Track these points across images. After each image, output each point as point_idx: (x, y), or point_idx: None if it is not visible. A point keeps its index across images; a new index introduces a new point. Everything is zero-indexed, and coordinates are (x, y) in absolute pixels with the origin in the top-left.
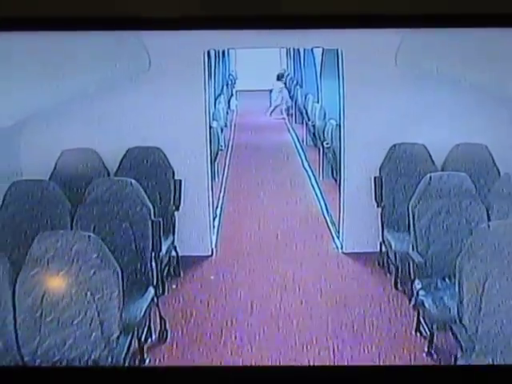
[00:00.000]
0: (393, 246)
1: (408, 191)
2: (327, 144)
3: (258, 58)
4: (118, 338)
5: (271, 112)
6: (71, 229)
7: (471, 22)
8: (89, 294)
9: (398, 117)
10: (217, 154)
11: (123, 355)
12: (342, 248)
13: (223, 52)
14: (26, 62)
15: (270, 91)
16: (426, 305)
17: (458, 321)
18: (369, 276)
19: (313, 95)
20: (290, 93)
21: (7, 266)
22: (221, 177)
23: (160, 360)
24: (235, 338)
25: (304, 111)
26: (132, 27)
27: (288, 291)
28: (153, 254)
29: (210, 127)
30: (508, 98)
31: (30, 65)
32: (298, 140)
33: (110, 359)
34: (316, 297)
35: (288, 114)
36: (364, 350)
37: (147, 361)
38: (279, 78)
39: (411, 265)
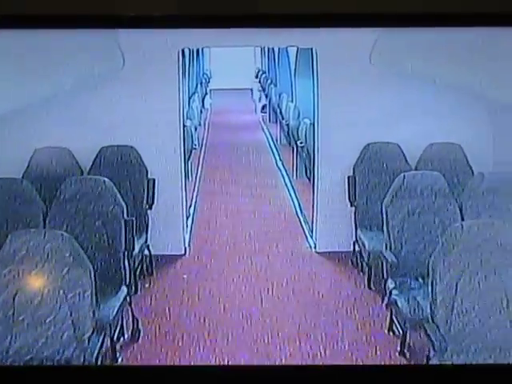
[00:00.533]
0: (366, 246)
1: (381, 190)
2: (301, 143)
3: (233, 56)
4: (90, 336)
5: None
6: (44, 227)
7: (446, 21)
8: (61, 292)
9: (372, 116)
10: (190, 152)
11: (95, 354)
12: (315, 247)
13: (197, 51)
14: None
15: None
16: (399, 304)
17: (430, 320)
18: (342, 275)
19: (287, 94)
20: (264, 91)
21: None
22: (194, 176)
23: (132, 359)
24: (208, 337)
25: (278, 110)
26: (107, 25)
27: (261, 290)
28: (126, 253)
29: (184, 126)
30: (482, 97)
31: (2, 63)
32: (272, 139)
33: (82, 358)
34: (289, 296)
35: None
36: (337, 350)
37: (119, 360)
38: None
39: (384, 264)
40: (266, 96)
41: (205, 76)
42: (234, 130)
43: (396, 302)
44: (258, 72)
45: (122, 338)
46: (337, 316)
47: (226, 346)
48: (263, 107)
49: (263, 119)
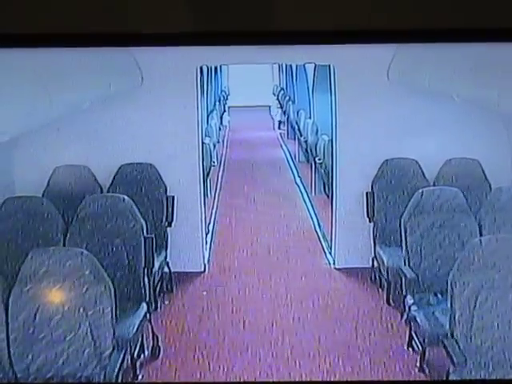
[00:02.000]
0: (385, 262)
1: (400, 206)
2: (319, 160)
3: (251, 73)
4: (110, 354)
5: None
6: (64, 245)
7: (464, 37)
8: (81, 310)
9: (390, 132)
10: (209, 169)
11: (116, 371)
12: (334, 263)
13: (215, 68)
14: (19, 79)
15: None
16: (418, 320)
17: (449, 336)
18: (361, 291)
19: (305, 111)
20: (282, 108)
21: (0, 283)
22: (213, 192)
23: (153, 376)
24: (228, 353)
25: (296, 127)
26: (125, 43)
27: (280, 307)
28: (145, 270)
29: (203, 143)
30: (500, 113)
31: (23, 81)
32: (291, 156)
33: (102, 376)
34: (308, 312)
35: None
36: (356, 366)
37: (140, 377)
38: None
39: (403, 280)
40: (284, 113)
41: (223, 93)
42: (252, 146)
43: (415, 318)
44: (276, 89)
45: (142, 355)
46: (356, 332)
47: (245, 362)
48: (280, 124)
49: (281, 136)
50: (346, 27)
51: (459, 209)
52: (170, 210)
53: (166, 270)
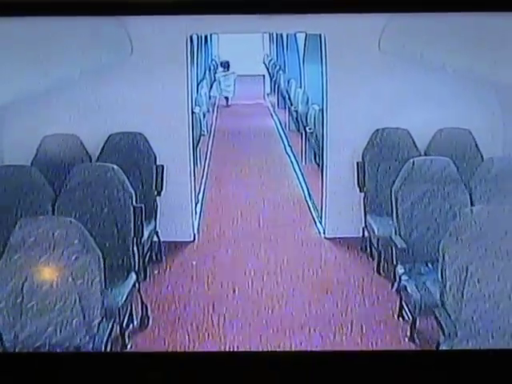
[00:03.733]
0: (375, 231)
1: (391, 176)
2: (310, 129)
3: (242, 43)
4: (99, 323)
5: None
6: (53, 214)
7: (456, 6)
8: (70, 279)
9: (381, 102)
10: (199, 139)
11: (105, 341)
12: (324, 233)
13: (206, 37)
14: (7, 48)
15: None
16: (409, 289)
17: (440, 305)
18: (351, 261)
19: (296, 80)
20: (271, 78)
21: None
22: (203, 162)
23: (142, 346)
24: (217, 323)
25: (287, 96)
26: (113, 12)
27: (270, 276)
28: (135, 240)
29: (193, 112)
30: (492, 83)
31: (11, 50)
32: (281, 125)
33: (91, 345)
34: (298, 282)
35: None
36: (346, 335)
37: (129, 346)
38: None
39: (394, 250)
40: (275, 82)
41: (213, 62)
42: (242, 116)
43: (406, 288)
44: (266, 58)
45: (131, 325)
46: (346, 302)
47: (235, 332)
48: (268, 95)
49: (272, 104)
50: None
51: (450, 179)
52: (159, 179)
53: (155, 239)
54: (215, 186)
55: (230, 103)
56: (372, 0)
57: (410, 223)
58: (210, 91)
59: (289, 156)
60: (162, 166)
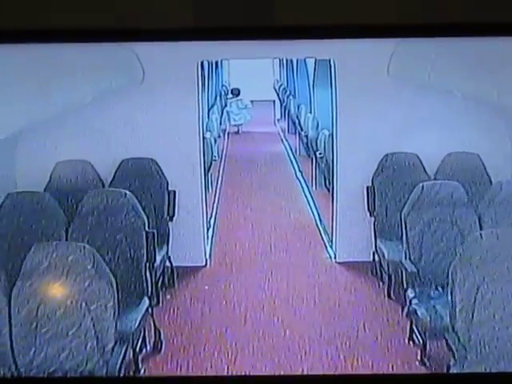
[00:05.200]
0: (386, 255)
1: (400, 200)
2: (320, 154)
3: (252, 68)
4: (112, 348)
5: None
6: (66, 240)
7: (464, 32)
8: (84, 304)
9: (391, 126)
10: (210, 164)
11: (118, 366)
12: (335, 257)
13: (216, 62)
14: (20, 75)
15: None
16: (419, 313)
17: (450, 329)
18: (362, 285)
19: (305, 105)
20: (281, 103)
21: (2, 278)
22: (214, 187)
23: (155, 370)
24: (229, 348)
25: (297, 121)
26: (125, 39)
27: (282, 301)
28: (147, 265)
29: (204, 138)
30: (500, 107)
31: (24, 77)
32: (291, 150)
33: (104, 370)
34: (309, 306)
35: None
36: (357, 359)
37: (142, 371)
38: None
39: (404, 274)
40: (285, 107)
41: (224, 88)
42: (253, 141)
43: (416, 312)
44: (276, 83)
45: (144, 350)
46: (357, 326)
47: (247, 356)
48: (278, 120)
49: (282, 130)
50: (347, 21)
51: (459, 203)
52: (171, 204)
53: (167, 264)
54: (227, 211)
55: (241, 131)
56: (381, 25)
57: (420, 247)
58: (221, 118)
59: (299, 181)
60: (174, 192)
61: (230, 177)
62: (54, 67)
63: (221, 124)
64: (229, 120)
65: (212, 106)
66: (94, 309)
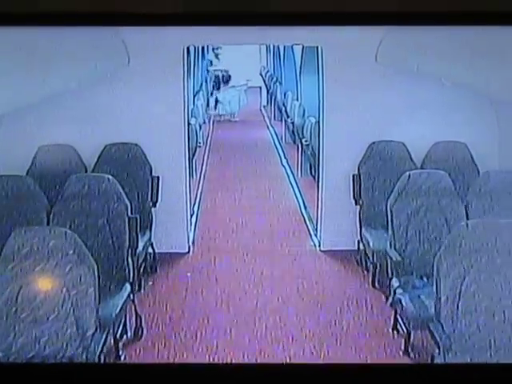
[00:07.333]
0: (371, 244)
1: (386, 189)
2: (306, 141)
3: (238, 54)
4: (93, 334)
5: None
6: (48, 225)
7: (452, 20)
8: (64, 290)
9: (378, 114)
10: (195, 150)
11: (98, 352)
12: (319, 246)
13: (203, 48)
14: (2, 58)
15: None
16: (404, 303)
17: (435, 319)
18: (346, 274)
19: (292, 92)
20: (268, 90)
21: None
22: (199, 173)
23: (135, 357)
24: (211, 335)
25: (283, 108)
26: (111, 23)
27: (265, 288)
28: (129, 251)
29: (189, 124)
30: (489, 96)
31: (7, 60)
32: (277, 137)
33: (84, 356)
34: (293, 294)
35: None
36: (340, 349)
37: (122, 358)
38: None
39: (389, 263)
40: (271, 94)
41: (210, 74)
42: (239, 127)
43: (400, 301)
44: (263, 70)
45: (125, 336)
46: (341, 314)
47: (229, 344)
48: (264, 107)
49: (268, 116)
50: (335, 8)
51: (446, 192)
52: (154, 190)
53: (150, 250)
54: (210, 198)
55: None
56: (369, 12)
57: (405, 236)
58: (207, 105)
59: (285, 168)
60: (158, 177)
61: (215, 163)
62: (39, 51)
63: (207, 111)
64: (217, 109)
65: (197, 92)
66: (74, 294)
